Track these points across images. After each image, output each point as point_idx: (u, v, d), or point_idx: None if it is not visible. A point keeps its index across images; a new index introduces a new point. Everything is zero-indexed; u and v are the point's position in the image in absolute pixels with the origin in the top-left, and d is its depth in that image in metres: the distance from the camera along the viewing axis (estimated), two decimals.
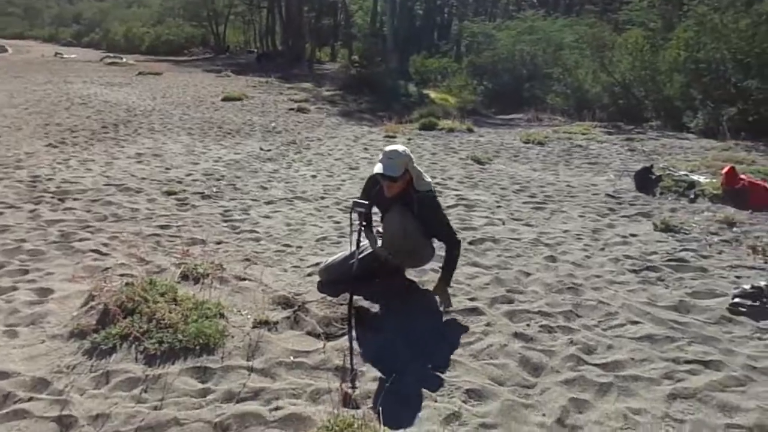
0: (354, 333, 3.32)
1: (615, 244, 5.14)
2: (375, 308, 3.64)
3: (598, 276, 4.32)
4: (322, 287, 3.91)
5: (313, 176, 7.72)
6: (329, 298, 3.75)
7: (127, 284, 3.45)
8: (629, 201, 6.78)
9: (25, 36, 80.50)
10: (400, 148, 3.60)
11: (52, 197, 5.93)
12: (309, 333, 3.33)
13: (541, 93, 19.13)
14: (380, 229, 3.95)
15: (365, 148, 10.16)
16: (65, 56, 40.42)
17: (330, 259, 4.07)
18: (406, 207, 3.60)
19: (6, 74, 22.86)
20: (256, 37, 50.35)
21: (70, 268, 4.09)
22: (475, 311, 3.64)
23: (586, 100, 17.06)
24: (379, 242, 3.88)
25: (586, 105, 16.51)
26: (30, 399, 2.60)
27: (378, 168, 3.54)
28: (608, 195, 7.05)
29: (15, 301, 3.51)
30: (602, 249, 5.00)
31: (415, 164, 3.63)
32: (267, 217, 5.70)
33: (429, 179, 3.74)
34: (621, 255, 4.79)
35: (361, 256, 3.64)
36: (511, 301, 3.84)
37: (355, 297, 3.58)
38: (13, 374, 2.75)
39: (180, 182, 6.92)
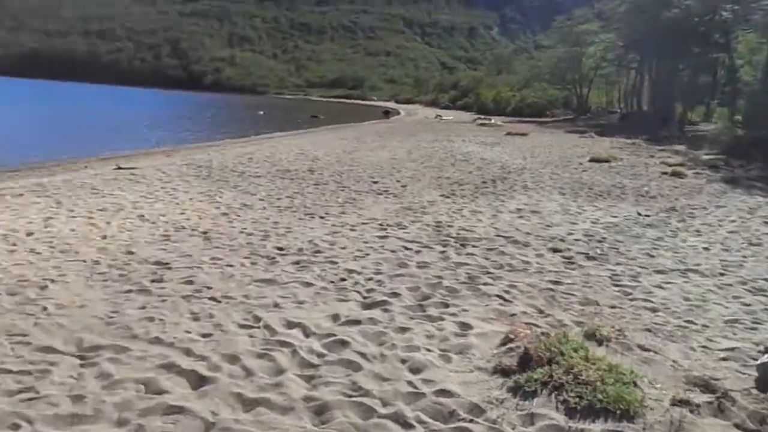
0: None
1: None
2: None
3: None
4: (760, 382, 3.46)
5: (706, 248, 7.03)
6: (755, 391, 3.32)
7: (543, 334, 3.68)
8: None
9: (413, 101, 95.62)
10: None
11: (455, 242, 6.78)
12: (737, 426, 2.99)
13: None
14: None
15: (766, 222, 8.82)
16: (444, 118, 46.36)
17: None
18: None
19: (402, 133, 27.35)
20: (619, 97, 49.30)
21: (481, 309, 4.58)
22: None
23: None
24: None
25: None
26: (470, 421, 2.96)
27: None
28: None
29: (444, 330, 4.09)
30: None
31: None
32: (659, 287, 5.40)
33: None
34: None
35: None
36: None
37: None
38: (455, 395, 3.19)
39: (563, 240, 7.12)
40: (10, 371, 3.27)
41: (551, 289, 5.16)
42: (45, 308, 4.23)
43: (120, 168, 12.16)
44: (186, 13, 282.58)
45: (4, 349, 3.54)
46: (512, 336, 3.76)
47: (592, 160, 16.69)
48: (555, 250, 6.59)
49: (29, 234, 6.34)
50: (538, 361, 3.38)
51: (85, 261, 5.48)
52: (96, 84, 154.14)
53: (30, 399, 3.00)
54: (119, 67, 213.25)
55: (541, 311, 4.57)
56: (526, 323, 4.21)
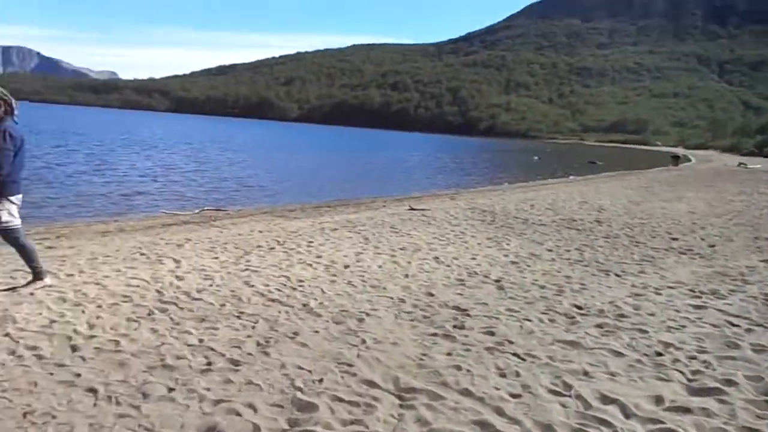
0: None
1: None
2: None
3: None
4: None
5: None
6: None
7: None
8: None
9: (706, 146, 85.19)
10: None
11: None
12: None
13: None
14: None
15: None
16: (749, 166, 40.08)
17: None
18: None
19: (698, 183, 24.34)
20: None
21: None
22: None
23: None
24: None
25: None
26: None
27: None
28: None
29: None
30: None
31: None
32: None
33: None
34: None
35: None
36: None
37: None
38: None
39: None
40: (342, 400, 3.57)
41: None
42: (364, 341, 4.59)
43: (412, 209, 13.13)
44: (468, 63, 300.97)
45: (335, 377, 3.90)
46: None
47: None
48: None
49: (346, 267, 7.11)
50: None
51: (392, 298, 5.88)
52: (385, 130, 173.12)
53: None
54: (406, 115, 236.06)
55: None
56: None
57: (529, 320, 5.32)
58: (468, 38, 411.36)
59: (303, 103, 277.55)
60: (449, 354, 4.40)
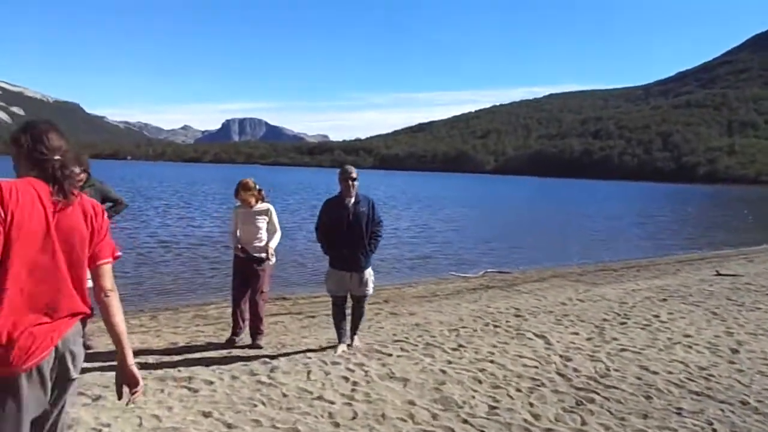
0: None
1: None
2: None
3: None
4: None
5: None
6: None
7: None
8: None
9: None
10: None
11: None
12: None
13: None
14: None
15: None
16: None
17: None
18: None
19: None
20: None
21: None
22: None
23: None
24: None
25: None
26: None
27: None
28: None
29: None
30: None
31: None
32: None
33: None
34: None
35: None
36: None
37: None
38: None
39: None
40: None
41: None
42: None
43: (720, 274, 11.57)
44: (680, 105, 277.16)
45: None
46: None
47: None
48: None
49: (733, 351, 6.14)
50: None
51: None
52: (586, 179, 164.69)
53: None
54: (609, 163, 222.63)
55: None
56: None
57: None
58: (680, 78, 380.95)
59: (498, 155, 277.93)
60: None
